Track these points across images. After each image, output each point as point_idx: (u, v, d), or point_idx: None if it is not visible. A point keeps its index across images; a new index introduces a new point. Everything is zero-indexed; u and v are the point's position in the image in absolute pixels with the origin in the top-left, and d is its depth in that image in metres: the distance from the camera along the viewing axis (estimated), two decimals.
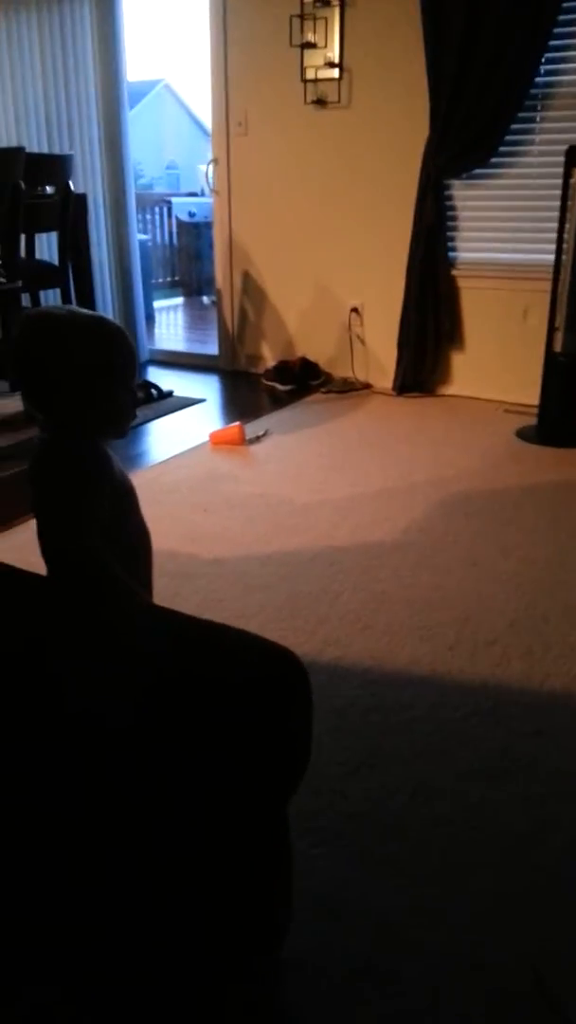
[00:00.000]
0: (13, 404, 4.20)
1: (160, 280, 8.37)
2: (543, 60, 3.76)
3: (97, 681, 1.03)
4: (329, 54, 4.24)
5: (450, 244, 4.22)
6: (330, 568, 2.51)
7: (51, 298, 4.69)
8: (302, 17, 4.23)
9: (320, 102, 4.34)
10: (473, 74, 3.79)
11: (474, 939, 1.30)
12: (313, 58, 4.29)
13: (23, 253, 4.10)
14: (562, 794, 1.60)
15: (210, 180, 4.90)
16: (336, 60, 4.23)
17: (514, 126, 3.91)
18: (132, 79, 5.15)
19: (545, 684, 1.94)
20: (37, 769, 1.01)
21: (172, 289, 8.56)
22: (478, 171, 4.07)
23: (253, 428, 3.82)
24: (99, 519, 1.32)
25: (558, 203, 3.51)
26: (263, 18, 4.38)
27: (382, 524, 2.82)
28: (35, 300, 4.48)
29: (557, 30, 3.70)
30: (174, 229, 8.56)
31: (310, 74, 4.32)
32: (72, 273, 4.38)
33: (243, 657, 1.05)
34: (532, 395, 3.82)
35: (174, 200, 8.78)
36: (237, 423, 3.75)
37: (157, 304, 7.73)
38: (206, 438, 3.71)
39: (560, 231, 3.51)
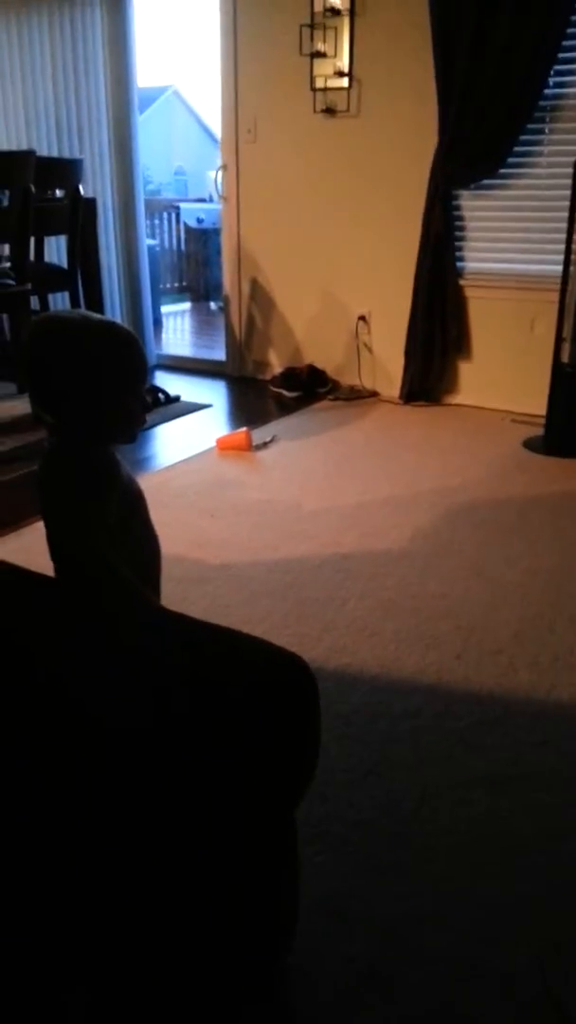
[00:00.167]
0: (20, 406, 4.22)
1: (168, 285, 8.39)
2: (552, 71, 3.77)
3: (105, 684, 1.03)
4: (339, 63, 4.25)
5: (458, 254, 4.23)
6: (337, 575, 2.51)
7: (59, 302, 4.70)
8: (312, 26, 4.25)
9: (329, 111, 4.36)
10: (482, 84, 3.80)
11: (479, 947, 1.30)
12: (323, 67, 4.30)
13: (32, 256, 4.11)
14: (569, 803, 1.60)
15: (219, 186, 4.91)
16: (345, 69, 4.24)
17: (522, 137, 3.92)
18: (141, 85, 5.17)
19: (552, 694, 1.94)
20: (43, 771, 1.01)
21: (180, 295, 8.58)
22: (486, 181, 4.08)
23: (260, 434, 3.82)
24: (107, 524, 1.32)
25: (566, 214, 3.51)
26: (273, 27, 4.40)
27: (389, 532, 2.82)
28: (43, 303, 4.50)
29: (566, 42, 3.71)
30: (182, 235, 8.58)
31: (319, 83, 4.34)
32: (81, 277, 4.39)
33: (252, 662, 1.06)
34: (539, 405, 3.82)
35: (182, 206, 8.80)
36: (244, 429, 3.76)
37: (165, 309, 7.75)
38: (213, 443, 3.72)
39: (568, 241, 3.51)
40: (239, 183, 4.80)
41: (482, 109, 3.84)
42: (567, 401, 3.68)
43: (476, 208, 4.18)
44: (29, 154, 3.63)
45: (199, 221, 8.51)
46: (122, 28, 4.91)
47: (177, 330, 7.60)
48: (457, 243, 4.22)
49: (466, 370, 4.37)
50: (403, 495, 3.15)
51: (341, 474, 3.40)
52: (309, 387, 4.59)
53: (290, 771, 1.02)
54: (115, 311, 5.26)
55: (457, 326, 4.27)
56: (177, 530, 2.77)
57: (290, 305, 4.86)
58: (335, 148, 4.42)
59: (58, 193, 4.42)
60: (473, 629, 2.22)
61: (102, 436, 1.38)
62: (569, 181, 3.49)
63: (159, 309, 7.22)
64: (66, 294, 4.42)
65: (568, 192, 3.49)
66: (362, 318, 4.58)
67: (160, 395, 4.43)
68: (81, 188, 4.22)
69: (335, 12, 4.17)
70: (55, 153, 5.10)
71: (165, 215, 8.51)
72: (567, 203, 3.50)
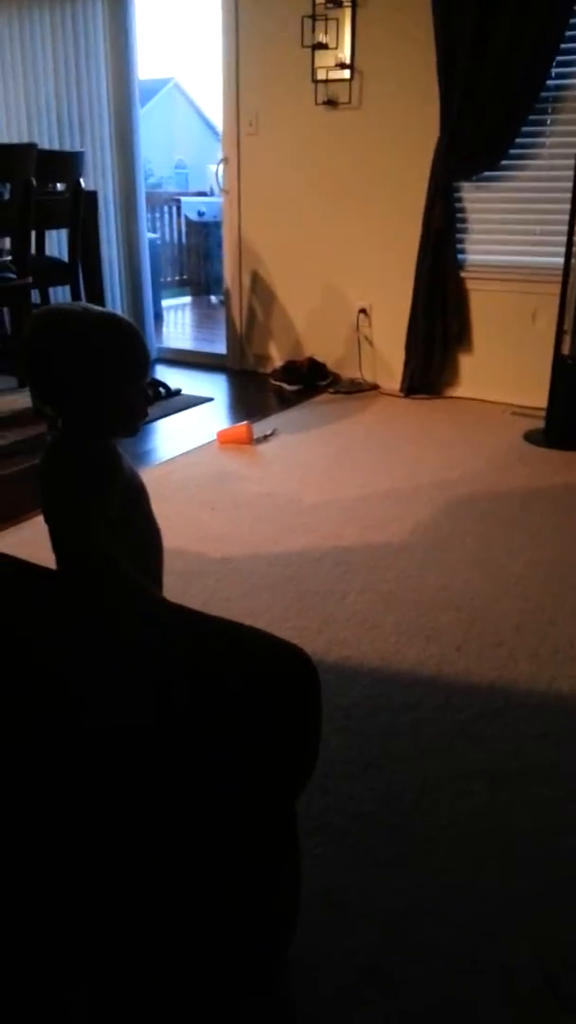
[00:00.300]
0: (21, 400, 4.22)
1: (168, 279, 8.38)
2: (554, 63, 3.75)
3: (106, 676, 1.03)
4: (340, 55, 4.24)
5: (459, 246, 4.22)
6: (337, 568, 2.52)
7: (60, 295, 4.70)
8: (314, 18, 4.24)
9: (331, 103, 4.35)
10: (484, 76, 3.79)
11: (479, 940, 1.30)
12: (324, 59, 4.29)
13: (33, 250, 4.11)
14: (569, 798, 1.60)
15: (220, 179, 4.90)
16: (347, 61, 4.23)
17: (524, 129, 3.91)
18: (142, 77, 5.15)
19: (552, 686, 1.94)
20: (43, 764, 1.02)
21: (180, 288, 8.57)
22: (488, 173, 4.07)
23: (261, 428, 3.82)
24: (109, 517, 1.32)
25: (568, 206, 3.50)
26: (275, 18, 4.38)
27: (389, 525, 2.82)
28: (44, 297, 4.49)
29: (569, 33, 3.69)
30: (183, 228, 8.56)
31: (321, 75, 4.33)
32: (81, 271, 4.38)
33: (254, 654, 1.06)
34: (540, 398, 3.82)
35: (183, 199, 8.78)
36: (245, 422, 3.76)
37: (165, 303, 7.73)
38: (214, 437, 3.72)
39: (570, 234, 3.51)
40: (240, 176, 4.79)
41: (484, 100, 3.83)
42: (568, 394, 3.68)
43: (477, 200, 4.17)
44: (30, 147, 3.62)
45: (200, 214, 8.49)
46: (123, 21, 4.89)
47: (178, 324, 7.60)
48: (458, 235, 4.21)
49: (467, 363, 4.36)
50: (403, 488, 3.15)
51: (342, 467, 3.40)
52: (310, 380, 4.59)
53: (291, 763, 1.03)
54: (116, 305, 5.25)
55: (458, 319, 4.26)
56: (178, 523, 2.77)
57: (291, 298, 4.86)
58: (336, 140, 4.40)
59: (59, 186, 4.41)
60: (474, 621, 2.22)
61: (104, 429, 1.38)
62: (571, 173, 3.49)
63: (160, 303, 7.22)
64: (67, 288, 4.42)
65: (570, 184, 3.48)
66: (363, 311, 4.57)
67: (161, 389, 4.41)
68: (82, 181, 4.21)
69: (337, 3, 4.15)
70: (56, 146, 5.09)
71: (166, 208, 8.49)
72: (569, 195, 3.49)
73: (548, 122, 3.92)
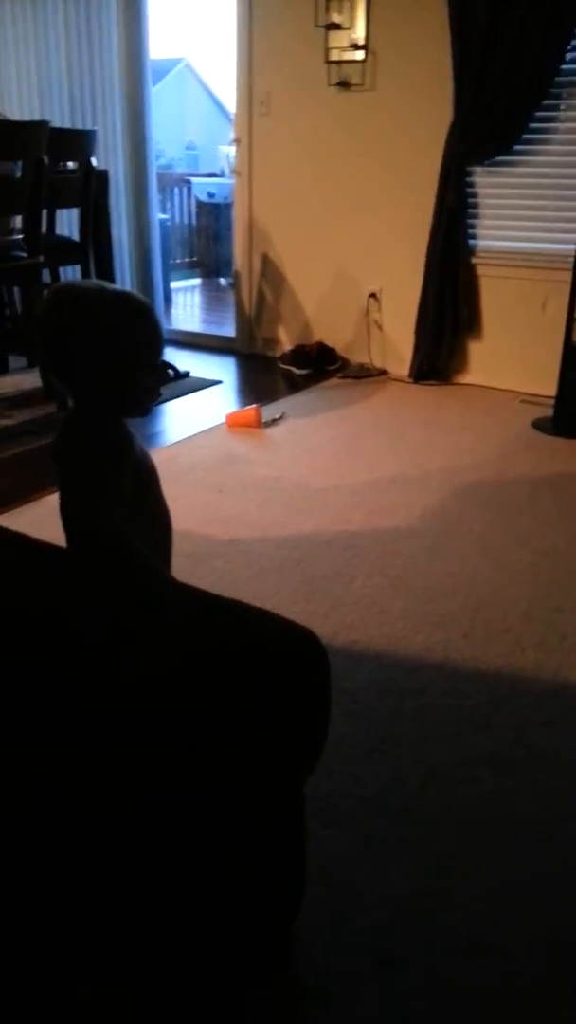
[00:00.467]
0: (30, 380, 4.22)
1: (178, 260, 8.34)
2: (569, 47, 3.72)
3: (115, 654, 1.03)
4: (354, 36, 4.20)
5: (470, 231, 4.20)
6: (345, 552, 2.52)
7: (70, 275, 4.68)
8: None
9: (344, 84, 4.31)
10: (499, 59, 3.76)
11: (483, 924, 1.31)
12: (338, 39, 4.25)
13: (44, 228, 4.09)
14: (575, 784, 1.61)
15: (231, 161, 4.87)
16: (361, 42, 4.19)
17: (538, 113, 3.88)
18: (153, 57, 5.11)
19: (559, 674, 1.95)
20: (56, 739, 1.02)
21: (190, 270, 8.52)
22: (501, 158, 4.04)
23: (269, 411, 3.82)
24: (120, 496, 1.32)
25: None
26: None
27: (397, 510, 2.82)
28: (55, 276, 4.47)
29: None
30: (193, 209, 8.51)
31: (334, 55, 4.29)
32: (92, 250, 4.36)
33: (264, 635, 1.06)
34: (549, 386, 3.81)
35: (194, 180, 8.73)
36: (254, 406, 3.75)
37: (174, 285, 7.70)
38: (222, 419, 3.71)
39: None
40: (252, 157, 4.76)
41: (499, 84, 3.80)
42: None
43: (490, 185, 4.14)
44: (43, 124, 3.59)
45: (210, 196, 8.44)
46: (136, 0, 4.86)
47: (187, 306, 7.57)
48: (470, 220, 4.19)
49: (476, 349, 4.35)
50: (412, 474, 3.15)
51: (350, 452, 3.39)
52: (318, 364, 4.58)
53: (301, 743, 1.03)
54: (125, 285, 5.23)
55: (468, 305, 4.24)
56: (186, 505, 2.77)
57: (301, 282, 4.84)
58: (349, 122, 4.37)
59: (70, 165, 4.39)
60: (481, 608, 2.22)
61: (116, 409, 1.37)
62: None
63: (169, 284, 7.19)
64: (77, 267, 4.40)
65: None
66: (373, 295, 4.55)
67: (170, 371, 4.41)
68: (93, 160, 4.18)
69: None
70: (68, 125, 5.06)
71: (176, 189, 8.44)
72: None
73: (562, 107, 3.88)
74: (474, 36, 3.77)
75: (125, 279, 5.26)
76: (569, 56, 3.75)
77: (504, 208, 4.15)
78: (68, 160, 4.26)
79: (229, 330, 5.38)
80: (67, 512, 1.30)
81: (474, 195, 4.17)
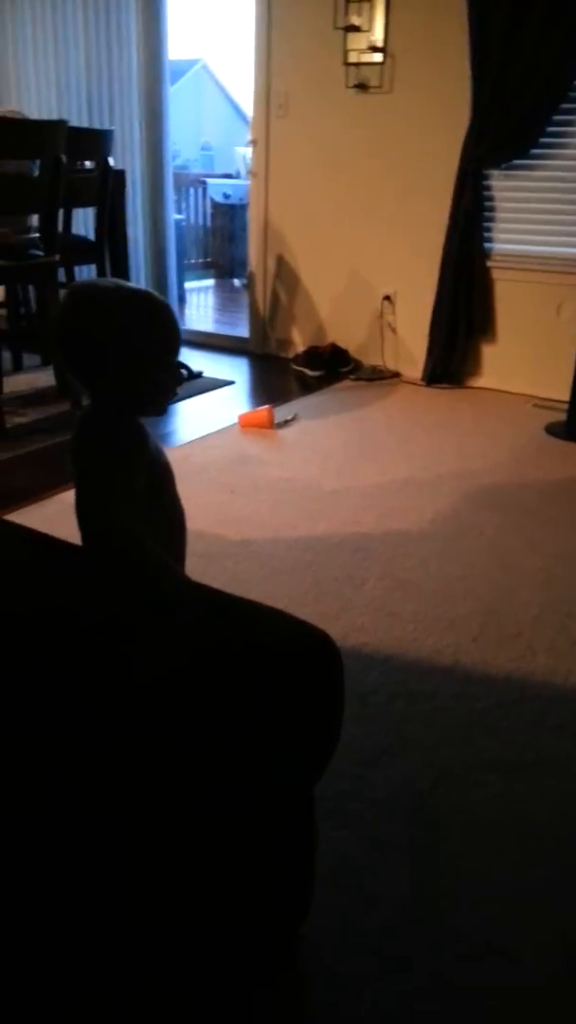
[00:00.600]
0: (44, 378, 4.23)
1: (192, 261, 8.36)
2: None
3: (129, 652, 1.04)
4: (373, 38, 4.20)
5: (486, 235, 4.19)
6: (355, 555, 2.52)
7: (86, 274, 4.69)
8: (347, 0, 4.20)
9: (362, 86, 4.31)
10: (517, 63, 3.75)
11: (492, 926, 1.31)
12: (356, 41, 4.26)
13: (60, 227, 4.10)
14: None
15: (248, 162, 4.88)
16: (380, 44, 4.19)
17: (556, 117, 3.88)
18: (171, 58, 5.12)
19: (569, 679, 1.94)
20: (66, 738, 1.02)
21: (204, 270, 8.54)
22: (518, 161, 4.04)
23: (282, 412, 3.82)
24: (134, 494, 1.32)
25: None
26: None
27: (408, 513, 2.82)
28: (70, 275, 4.49)
29: None
30: (208, 210, 8.53)
31: (353, 58, 4.29)
32: (108, 249, 4.37)
33: (278, 635, 1.06)
34: (563, 390, 3.80)
35: (209, 181, 8.75)
36: (266, 406, 3.75)
37: (188, 285, 7.71)
38: (235, 420, 3.72)
39: None
40: (269, 159, 4.77)
41: (517, 87, 3.80)
42: None
43: (506, 188, 4.13)
44: (61, 123, 3.60)
45: (226, 197, 8.46)
46: (155, 1, 4.87)
47: (201, 306, 7.58)
48: (486, 224, 4.18)
49: (490, 353, 4.34)
50: (423, 477, 3.15)
51: (362, 454, 3.39)
52: (331, 366, 4.58)
53: (314, 745, 1.03)
54: (140, 284, 5.22)
55: (482, 308, 4.24)
56: (198, 505, 2.77)
57: (315, 283, 4.84)
58: (366, 124, 4.37)
59: (87, 164, 4.40)
60: (492, 612, 2.22)
61: (133, 407, 1.38)
62: None
63: (183, 284, 7.20)
64: (93, 266, 4.41)
65: None
66: (387, 298, 4.55)
67: (183, 371, 4.42)
68: (111, 160, 4.19)
69: None
70: (85, 124, 5.07)
71: (192, 190, 8.46)
72: None
73: None
74: (493, 36, 3.77)
75: (140, 278, 5.27)
76: None
77: (520, 212, 4.14)
78: (86, 159, 4.27)
79: (242, 331, 5.39)
80: (82, 510, 1.31)
81: (490, 198, 4.17)
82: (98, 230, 4.23)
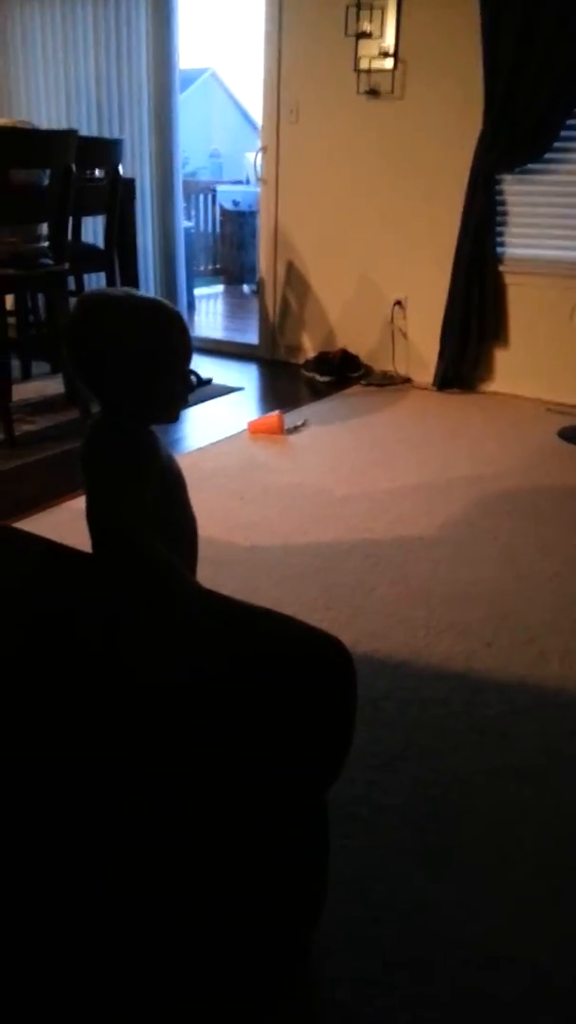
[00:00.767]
0: (53, 385, 4.24)
1: (202, 267, 8.38)
2: None
3: (140, 658, 1.03)
4: (384, 44, 4.21)
5: (498, 239, 4.18)
6: (366, 560, 2.51)
7: (95, 282, 4.71)
8: (358, 6, 4.20)
9: (373, 92, 4.32)
10: (529, 68, 3.75)
11: (507, 934, 1.30)
12: (368, 48, 4.26)
13: (69, 236, 4.11)
14: None
15: (258, 169, 4.89)
16: (391, 50, 4.20)
17: (569, 121, 3.86)
18: (181, 67, 5.14)
19: None
20: (72, 742, 1.02)
21: (214, 277, 8.56)
22: (530, 166, 4.03)
23: (292, 418, 3.82)
24: (145, 501, 1.32)
25: None
26: (319, 6, 4.36)
27: (420, 519, 2.81)
28: (79, 284, 4.50)
29: None
30: (217, 217, 8.56)
31: (364, 64, 4.30)
32: (117, 258, 4.38)
33: (290, 641, 1.06)
34: (575, 395, 3.78)
35: (219, 188, 8.77)
36: (276, 412, 3.75)
37: (197, 292, 7.74)
38: (245, 426, 3.72)
39: None
40: (279, 165, 4.77)
41: (529, 92, 3.79)
42: None
43: (518, 193, 4.13)
44: (71, 133, 3.62)
45: (235, 203, 8.48)
46: (166, 10, 4.90)
47: (210, 313, 7.60)
48: (498, 228, 4.17)
49: (502, 357, 4.33)
50: (435, 482, 3.14)
51: (372, 460, 3.39)
52: (341, 372, 4.57)
53: (326, 750, 1.03)
54: (149, 292, 5.26)
55: (495, 313, 4.23)
56: (208, 511, 2.76)
57: (325, 289, 4.84)
58: (377, 131, 4.38)
59: (97, 173, 4.41)
60: (505, 617, 2.21)
61: (144, 415, 1.38)
62: None
63: (193, 291, 7.22)
64: (102, 274, 4.42)
65: None
66: (398, 303, 4.55)
67: (192, 378, 4.42)
68: (120, 168, 4.21)
69: None
70: (95, 133, 5.10)
71: (201, 197, 8.49)
72: None
73: None
74: (505, 45, 3.76)
75: (149, 286, 5.29)
76: None
77: (533, 216, 4.13)
78: (95, 168, 4.29)
79: (251, 337, 5.39)
80: (93, 517, 1.31)
81: (502, 203, 4.16)
82: (108, 238, 4.25)
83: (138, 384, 1.33)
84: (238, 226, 8.45)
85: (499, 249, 4.19)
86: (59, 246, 3.66)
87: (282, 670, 1.01)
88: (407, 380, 4.58)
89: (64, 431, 3.61)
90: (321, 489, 3.05)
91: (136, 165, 5.07)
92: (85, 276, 4.47)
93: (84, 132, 4.84)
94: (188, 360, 1.41)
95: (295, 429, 3.71)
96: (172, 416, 1.41)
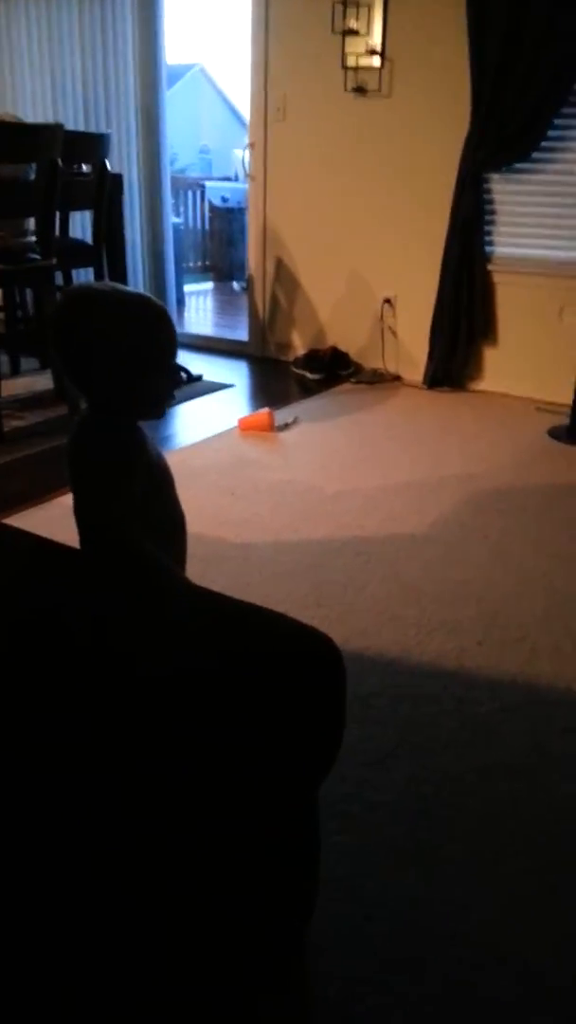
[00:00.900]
0: (42, 381, 4.22)
1: (191, 264, 8.35)
2: None
3: (129, 655, 1.02)
4: (371, 41, 4.20)
5: (487, 238, 4.18)
6: (357, 558, 2.50)
7: (83, 277, 4.68)
8: (345, 3, 4.19)
9: (360, 90, 4.31)
10: (517, 66, 3.74)
11: (499, 931, 1.30)
12: (354, 45, 4.25)
13: (57, 231, 4.09)
14: None
15: (246, 165, 4.87)
16: (378, 48, 4.19)
17: (556, 121, 3.86)
18: (168, 62, 5.12)
19: (574, 682, 1.92)
20: (62, 740, 1.01)
21: (203, 274, 8.53)
22: (518, 165, 4.02)
23: (282, 415, 3.81)
24: (133, 499, 1.31)
25: None
26: (305, 2, 4.34)
27: (410, 516, 2.80)
28: (67, 279, 4.48)
29: None
30: (206, 213, 8.53)
31: (351, 61, 4.28)
32: (105, 253, 4.36)
33: (279, 637, 1.05)
34: (565, 394, 3.79)
35: (207, 184, 8.74)
36: (266, 409, 3.74)
37: (187, 288, 7.70)
38: (234, 423, 3.70)
39: None
40: (267, 162, 4.76)
41: (517, 90, 3.78)
42: None
43: (507, 192, 4.12)
44: (57, 127, 3.59)
45: (224, 200, 8.45)
46: (152, 4, 4.87)
47: (199, 309, 7.58)
48: (487, 227, 4.17)
49: (491, 356, 4.33)
50: (425, 480, 3.13)
51: (363, 457, 3.38)
52: (331, 369, 4.57)
53: (316, 747, 1.02)
54: (138, 288, 5.20)
55: (484, 312, 4.22)
56: (198, 508, 2.76)
57: (315, 286, 4.83)
58: (365, 128, 4.36)
59: (84, 168, 4.39)
60: (496, 615, 2.20)
61: (130, 411, 1.37)
62: None
63: (182, 288, 7.19)
64: (90, 270, 4.40)
65: None
66: (387, 301, 4.54)
67: (182, 374, 4.41)
68: (107, 163, 4.18)
69: None
70: (82, 128, 5.07)
71: (190, 193, 8.46)
72: None
73: None
74: (492, 44, 3.76)
75: (138, 282, 5.26)
76: None
77: (521, 215, 4.13)
78: (82, 163, 4.26)
79: (241, 334, 5.38)
80: (80, 514, 1.30)
81: (491, 202, 4.16)
82: (96, 234, 4.22)
83: (123, 379, 1.32)
84: (227, 222, 8.43)
85: (487, 248, 4.19)
86: (46, 241, 3.64)
87: (272, 667, 1.00)
88: (397, 378, 4.58)
89: (53, 427, 3.59)
90: (312, 486, 3.04)
91: (124, 161, 5.04)
92: (73, 272, 4.45)
93: (71, 127, 4.82)
94: (173, 356, 1.40)
95: (285, 426, 3.70)
96: (159, 412, 1.40)
